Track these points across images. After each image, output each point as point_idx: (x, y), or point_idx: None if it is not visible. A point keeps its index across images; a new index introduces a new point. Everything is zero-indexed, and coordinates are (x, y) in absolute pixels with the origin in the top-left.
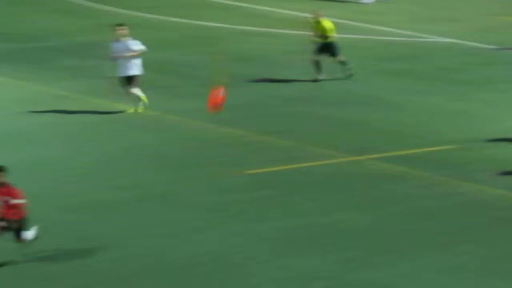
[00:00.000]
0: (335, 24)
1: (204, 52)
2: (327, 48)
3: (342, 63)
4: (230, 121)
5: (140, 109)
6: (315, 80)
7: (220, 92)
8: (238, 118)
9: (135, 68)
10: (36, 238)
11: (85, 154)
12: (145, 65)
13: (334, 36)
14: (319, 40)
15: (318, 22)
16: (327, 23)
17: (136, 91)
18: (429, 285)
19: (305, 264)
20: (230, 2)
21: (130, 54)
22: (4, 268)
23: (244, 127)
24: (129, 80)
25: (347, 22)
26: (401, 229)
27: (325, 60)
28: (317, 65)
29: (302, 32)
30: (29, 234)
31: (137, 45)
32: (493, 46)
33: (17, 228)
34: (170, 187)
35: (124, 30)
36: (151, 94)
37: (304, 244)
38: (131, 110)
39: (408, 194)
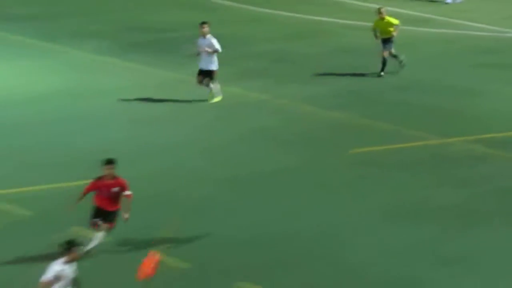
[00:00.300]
0: (428, 19)
1: (313, 44)
2: (385, 42)
3: (394, 56)
4: (335, 106)
5: (217, 98)
6: (378, 76)
7: (153, 262)
8: (342, 104)
9: (212, 63)
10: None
11: (217, 134)
12: (260, 55)
13: (395, 32)
14: (383, 36)
15: (382, 19)
16: (391, 20)
17: (213, 84)
18: None
19: (406, 236)
20: None
21: (209, 50)
22: None
23: (348, 111)
24: (207, 74)
25: (438, 17)
26: (492, 205)
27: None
28: (385, 62)
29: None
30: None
31: (216, 44)
32: None
33: (109, 217)
34: (294, 166)
35: (206, 28)
36: (267, 81)
37: (406, 217)
38: (215, 100)
39: (495, 173)
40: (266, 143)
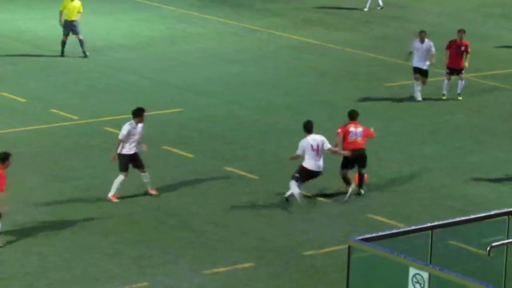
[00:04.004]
0: None
1: None
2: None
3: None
4: None
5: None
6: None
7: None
8: None
9: (426, 64)
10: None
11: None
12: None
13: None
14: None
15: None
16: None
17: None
18: None
19: (425, 152)
20: None
21: (428, 54)
22: None
23: None
24: (421, 72)
25: None
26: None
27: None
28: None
29: None
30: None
31: (432, 48)
32: None
33: None
34: None
35: (424, 34)
36: None
37: (424, 137)
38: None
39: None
40: None
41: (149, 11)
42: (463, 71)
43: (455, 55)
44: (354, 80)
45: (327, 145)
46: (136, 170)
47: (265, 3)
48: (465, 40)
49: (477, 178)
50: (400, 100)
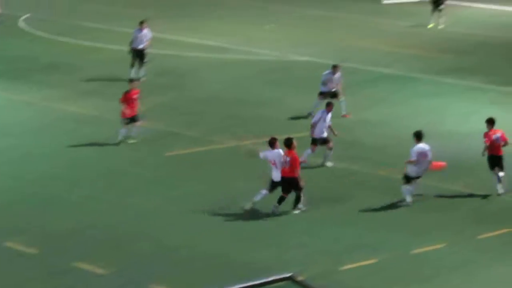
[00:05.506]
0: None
1: None
2: None
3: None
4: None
5: None
6: None
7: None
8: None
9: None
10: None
11: None
12: None
13: None
14: None
15: None
16: None
17: None
18: None
19: (218, 217)
20: None
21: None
22: None
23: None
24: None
25: (234, 47)
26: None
27: None
28: None
29: None
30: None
31: None
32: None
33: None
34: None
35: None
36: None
37: (218, 203)
38: None
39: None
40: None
41: None
42: None
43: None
44: (134, 150)
45: None
46: None
47: (42, 75)
48: None
49: None
50: None
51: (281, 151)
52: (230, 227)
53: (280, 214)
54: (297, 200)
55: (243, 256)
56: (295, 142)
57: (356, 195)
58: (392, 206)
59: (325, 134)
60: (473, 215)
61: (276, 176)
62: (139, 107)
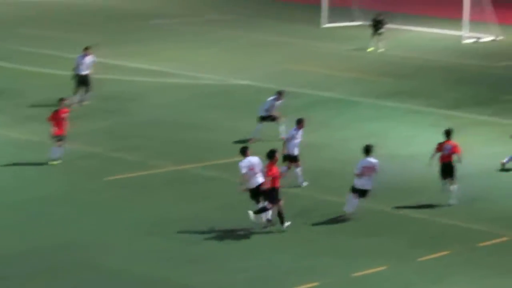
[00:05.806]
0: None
1: None
2: None
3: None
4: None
5: None
6: None
7: None
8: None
9: None
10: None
11: None
12: None
13: None
14: None
15: None
16: None
17: None
18: None
19: (154, 243)
20: None
21: None
22: None
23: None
24: None
25: (177, 71)
26: (218, 215)
27: None
28: None
29: None
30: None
31: None
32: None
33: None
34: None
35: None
36: None
37: (154, 228)
38: None
39: (219, 192)
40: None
41: None
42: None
43: None
44: (73, 174)
45: None
46: None
47: None
48: None
49: None
50: None
51: (256, 158)
52: (172, 251)
53: (221, 238)
54: (262, 210)
55: (184, 279)
56: (277, 155)
57: (298, 219)
58: (333, 230)
59: (296, 152)
60: (413, 238)
61: (255, 182)
62: (67, 128)
